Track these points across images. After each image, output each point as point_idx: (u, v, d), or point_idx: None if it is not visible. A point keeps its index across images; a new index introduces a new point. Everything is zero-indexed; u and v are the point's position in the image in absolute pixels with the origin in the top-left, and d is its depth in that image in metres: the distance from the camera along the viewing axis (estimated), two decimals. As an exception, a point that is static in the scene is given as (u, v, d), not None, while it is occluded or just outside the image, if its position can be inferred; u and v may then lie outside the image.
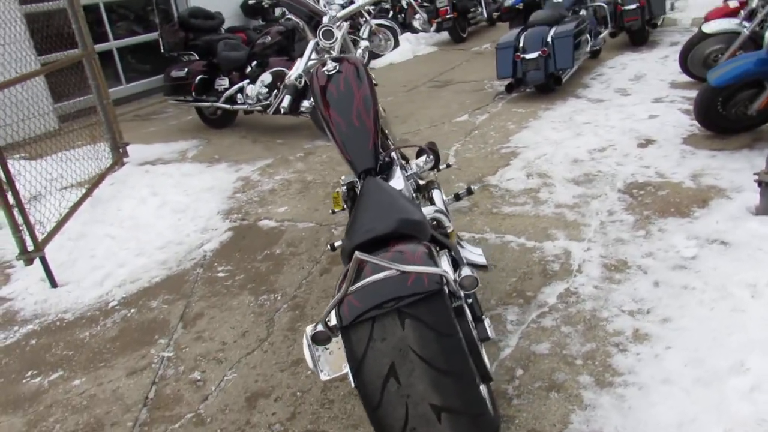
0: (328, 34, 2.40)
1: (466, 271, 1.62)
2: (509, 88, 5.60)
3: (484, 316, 1.92)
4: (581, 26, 5.68)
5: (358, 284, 1.52)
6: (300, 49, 5.29)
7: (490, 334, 1.76)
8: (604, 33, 6.58)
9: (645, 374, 2.01)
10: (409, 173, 2.47)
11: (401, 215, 1.76)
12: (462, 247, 2.41)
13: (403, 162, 2.48)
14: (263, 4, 9.49)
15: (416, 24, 10.18)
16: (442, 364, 1.47)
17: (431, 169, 2.62)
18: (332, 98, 2.32)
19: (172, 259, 3.39)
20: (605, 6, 6.63)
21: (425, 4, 9.90)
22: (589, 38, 6.02)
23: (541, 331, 2.32)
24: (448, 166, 3.12)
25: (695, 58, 4.95)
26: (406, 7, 10.48)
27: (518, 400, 2.00)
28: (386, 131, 3.01)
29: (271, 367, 2.36)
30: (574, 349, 2.20)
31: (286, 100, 2.35)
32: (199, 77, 5.75)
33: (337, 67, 2.37)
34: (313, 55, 2.47)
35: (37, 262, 3.14)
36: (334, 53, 2.42)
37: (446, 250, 1.89)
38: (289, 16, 6.30)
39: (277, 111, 2.43)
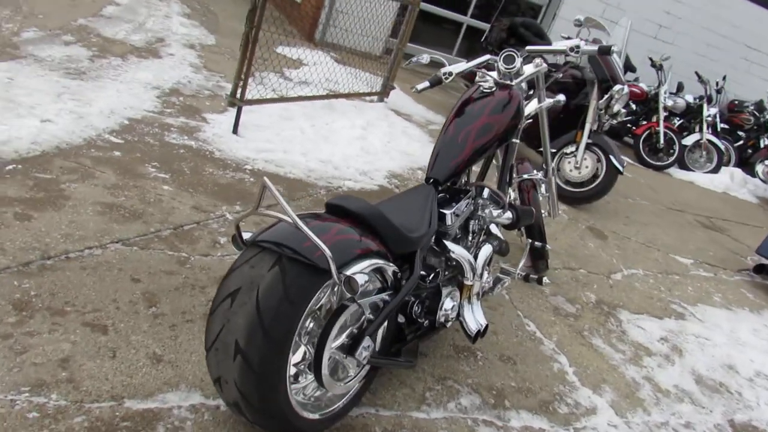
0: (509, 59, 2.40)
1: (360, 277, 1.62)
2: (758, 269, 4.68)
3: (368, 342, 1.82)
4: None
5: (272, 212, 1.65)
6: (580, 99, 5.18)
7: (356, 355, 1.72)
8: None
9: None
10: (478, 214, 2.39)
11: (385, 214, 1.80)
12: (471, 303, 2.27)
13: (482, 202, 2.39)
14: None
15: (758, 169, 8.89)
16: (267, 318, 1.53)
17: (507, 228, 2.48)
18: (464, 109, 2.38)
19: (318, 171, 3.81)
20: None
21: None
22: None
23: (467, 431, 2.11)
24: (543, 247, 2.89)
25: None
26: (761, 147, 9.23)
27: (371, 449, 1.90)
28: (534, 184, 2.93)
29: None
30: (471, 466, 1.97)
31: (422, 85, 2.47)
32: (486, 74, 6.02)
33: (493, 90, 2.39)
34: (492, 73, 2.48)
35: (235, 110, 3.82)
36: (515, 82, 2.42)
37: (394, 267, 1.85)
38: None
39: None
